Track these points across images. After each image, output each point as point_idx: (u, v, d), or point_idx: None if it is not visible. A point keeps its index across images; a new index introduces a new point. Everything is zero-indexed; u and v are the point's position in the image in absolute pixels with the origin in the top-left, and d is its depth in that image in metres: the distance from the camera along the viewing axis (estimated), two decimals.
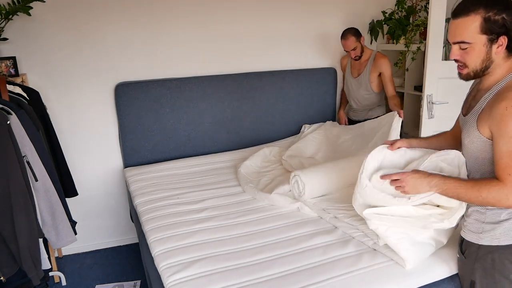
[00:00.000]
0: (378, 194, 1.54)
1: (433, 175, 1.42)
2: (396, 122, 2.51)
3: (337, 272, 1.56)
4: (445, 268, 1.61)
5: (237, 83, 3.06)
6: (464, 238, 1.48)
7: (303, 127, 3.32)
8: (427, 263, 1.61)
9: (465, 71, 1.37)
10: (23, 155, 1.86)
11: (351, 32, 2.89)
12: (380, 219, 1.57)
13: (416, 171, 1.45)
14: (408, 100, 3.34)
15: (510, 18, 1.26)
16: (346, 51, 2.97)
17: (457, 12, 1.32)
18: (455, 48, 1.35)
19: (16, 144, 1.78)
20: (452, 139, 1.64)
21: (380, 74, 2.98)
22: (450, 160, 1.50)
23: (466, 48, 1.32)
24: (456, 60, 1.37)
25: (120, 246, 3.10)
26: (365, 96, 3.10)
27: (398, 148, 1.62)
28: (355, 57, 2.97)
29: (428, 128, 2.87)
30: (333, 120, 3.49)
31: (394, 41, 3.30)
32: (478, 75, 1.36)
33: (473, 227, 1.43)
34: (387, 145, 1.63)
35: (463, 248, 1.50)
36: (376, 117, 2.94)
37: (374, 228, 1.60)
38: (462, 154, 1.50)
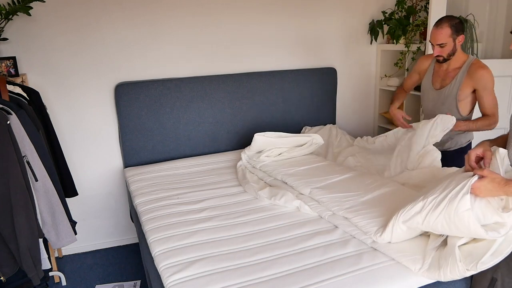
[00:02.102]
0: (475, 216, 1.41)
1: (510, 182, 1.39)
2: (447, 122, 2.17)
3: (337, 272, 1.56)
4: None
5: (237, 83, 3.06)
6: None
7: (303, 128, 3.32)
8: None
9: None
10: (23, 155, 1.86)
11: (448, 22, 2.14)
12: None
13: (493, 178, 1.41)
14: (408, 100, 3.34)
15: None
16: (431, 43, 2.22)
17: None
18: None
19: (16, 144, 1.78)
20: None
21: (474, 91, 2.25)
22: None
23: None
24: None
25: (120, 246, 3.10)
26: None
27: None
28: (438, 56, 2.22)
29: None
30: (333, 122, 3.49)
31: (394, 41, 3.31)
32: None
33: None
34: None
35: None
36: (466, 144, 2.43)
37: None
38: None
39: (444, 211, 1.45)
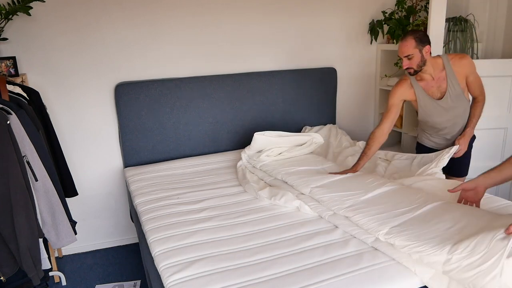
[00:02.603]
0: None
1: None
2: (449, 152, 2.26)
3: (337, 272, 1.56)
4: None
5: (237, 83, 3.06)
6: None
7: (303, 128, 3.32)
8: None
9: None
10: (23, 155, 1.86)
11: (412, 34, 2.22)
12: None
13: None
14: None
15: None
16: (400, 58, 2.29)
17: None
18: None
19: (16, 144, 1.78)
20: None
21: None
22: None
23: None
24: None
25: (120, 246, 3.10)
26: (460, 113, 2.40)
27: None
28: (408, 69, 2.26)
29: None
30: (333, 122, 3.49)
31: (394, 41, 3.31)
32: None
33: None
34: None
35: None
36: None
37: None
38: None
39: (471, 279, 1.36)
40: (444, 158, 2.26)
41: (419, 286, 1.53)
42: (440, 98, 2.36)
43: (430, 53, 2.26)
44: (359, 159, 2.45)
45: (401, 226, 1.71)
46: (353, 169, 2.43)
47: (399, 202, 1.93)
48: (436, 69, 2.32)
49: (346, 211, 1.93)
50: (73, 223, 2.22)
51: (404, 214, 1.81)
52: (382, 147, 3.47)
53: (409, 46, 2.20)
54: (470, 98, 2.43)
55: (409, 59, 2.23)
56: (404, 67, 2.27)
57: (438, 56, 2.35)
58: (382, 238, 1.70)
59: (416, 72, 2.27)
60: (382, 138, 2.44)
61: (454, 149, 2.29)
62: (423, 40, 2.21)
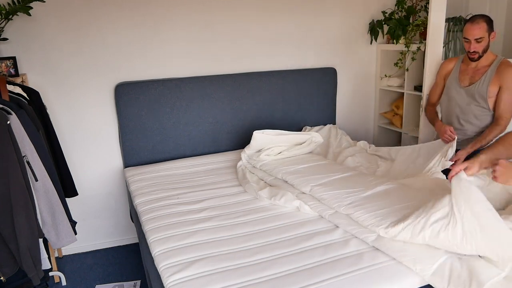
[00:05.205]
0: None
1: None
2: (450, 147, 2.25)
3: (337, 272, 1.56)
4: None
5: (237, 83, 3.06)
6: None
7: (303, 129, 3.32)
8: None
9: None
10: (23, 155, 1.86)
11: (483, 18, 2.20)
12: None
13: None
14: (408, 100, 3.34)
15: None
16: (465, 40, 2.25)
17: None
18: None
19: (16, 144, 1.78)
20: None
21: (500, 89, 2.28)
22: None
23: None
24: None
25: (120, 246, 3.10)
26: (476, 114, 2.35)
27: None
28: (473, 52, 2.24)
29: (427, 128, 2.87)
30: (333, 122, 3.49)
31: (394, 41, 3.31)
32: None
33: None
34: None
35: None
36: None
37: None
38: None
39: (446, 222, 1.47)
40: (436, 158, 2.27)
41: (419, 286, 1.54)
42: (465, 87, 2.37)
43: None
44: (436, 120, 2.55)
45: (399, 220, 1.73)
46: (439, 123, 2.49)
47: (399, 199, 1.94)
48: (484, 62, 2.31)
49: (347, 208, 1.93)
50: (73, 223, 2.22)
51: (403, 210, 1.82)
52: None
53: (482, 28, 2.18)
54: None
55: (478, 42, 2.21)
56: (471, 50, 2.24)
57: (495, 54, 2.35)
58: (382, 233, 1.70)
59: (479, 58, 2.26)
60: (435, 108, 2.63)
61: (450, 151, 2.26)
62: (491, 25, 2.21)
